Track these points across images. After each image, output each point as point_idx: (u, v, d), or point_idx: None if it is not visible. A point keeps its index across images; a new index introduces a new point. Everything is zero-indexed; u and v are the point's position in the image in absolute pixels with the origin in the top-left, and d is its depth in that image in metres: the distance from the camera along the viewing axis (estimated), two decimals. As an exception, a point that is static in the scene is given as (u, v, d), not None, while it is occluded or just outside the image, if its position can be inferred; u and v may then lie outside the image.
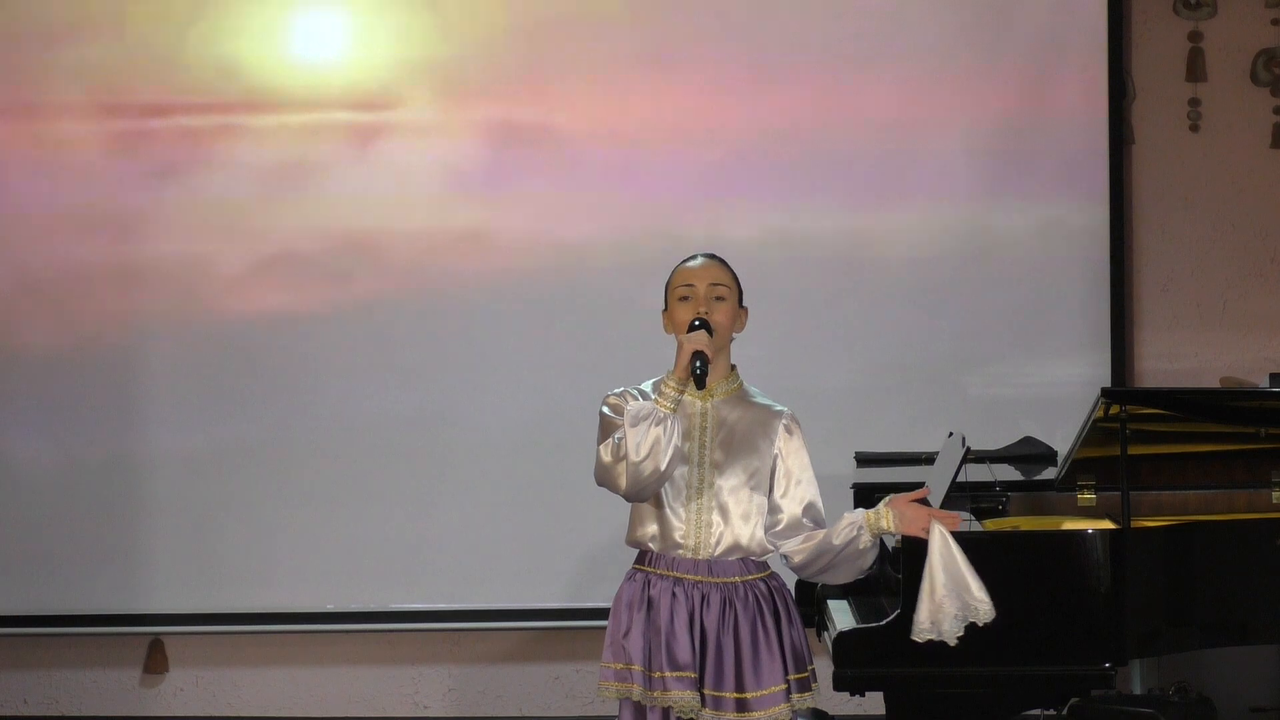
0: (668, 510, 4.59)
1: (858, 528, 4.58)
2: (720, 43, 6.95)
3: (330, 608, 7.05)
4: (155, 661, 7.18)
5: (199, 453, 7.04)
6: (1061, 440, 5.89)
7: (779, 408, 4.66)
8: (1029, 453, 6.26)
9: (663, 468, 4.47)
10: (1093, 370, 6.91)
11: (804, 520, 4.63)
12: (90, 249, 7.05)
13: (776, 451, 4.63)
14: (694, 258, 4.67)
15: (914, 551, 4.95)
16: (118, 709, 7.19)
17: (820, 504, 4.66)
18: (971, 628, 4.63)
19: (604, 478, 4.54)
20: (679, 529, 4.59)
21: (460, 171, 7.01)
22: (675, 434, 4.48)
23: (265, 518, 7.03)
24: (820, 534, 4.60)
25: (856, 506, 5.87)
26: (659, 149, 6.98)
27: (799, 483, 4.64)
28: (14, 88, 7.04)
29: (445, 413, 7.02)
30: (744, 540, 4.59)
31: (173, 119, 7.02)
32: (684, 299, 4.61)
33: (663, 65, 6.97)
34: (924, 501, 4.66)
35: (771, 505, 4.63)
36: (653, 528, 4.61)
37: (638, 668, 4.57)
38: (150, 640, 7.17)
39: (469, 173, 7.01)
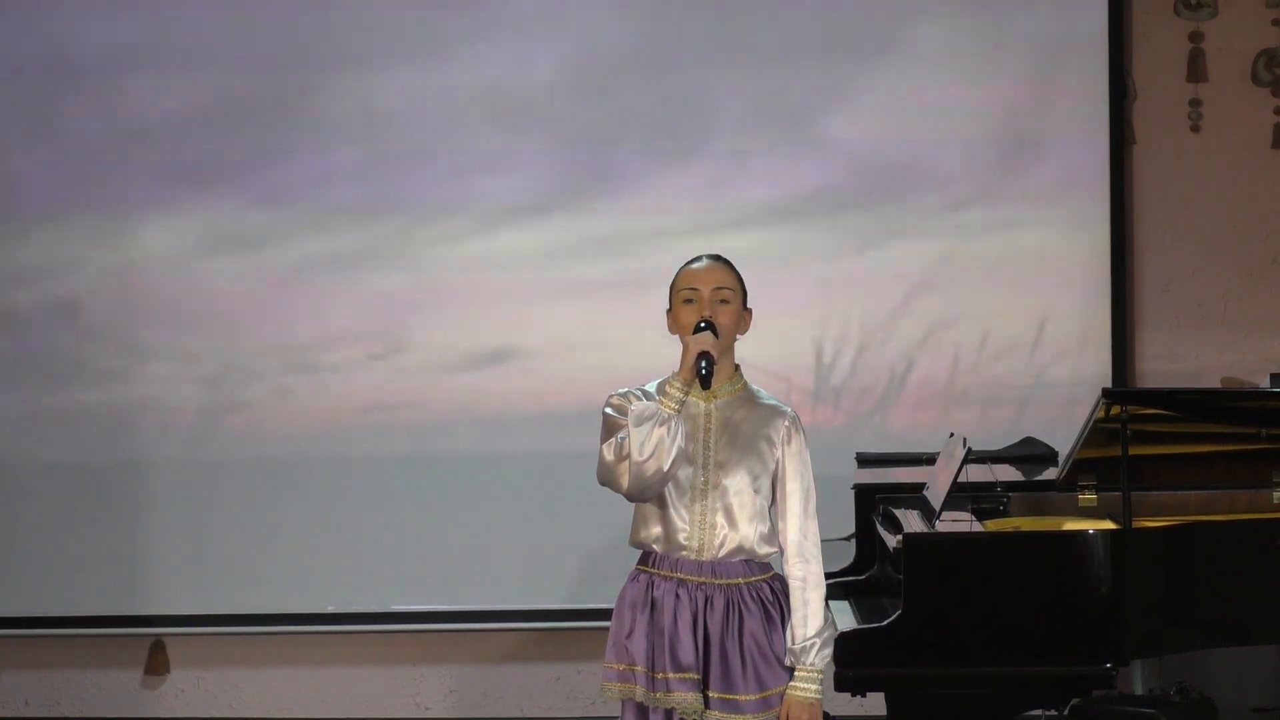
0: (672, 511, 4.60)
1: None
2: (719, 38, 6.95)
3: (331, 609, 7.05)
4: (156, 662, 7.18)
5: (200, 454, 7.05)
6: (1062, 440, 5.89)
7: (784, 409, 4.66)
8: (1030, 453, 6.26)
9: (665, 468, 4.47)
10: (1093, 370, 6.91)
11: (803, 541, 4.64)
12: (90, 248, 7.05)
13: (779, 454, 4.63)
14: (698, 259, 4.67)
15: (915, 552, 4.96)
16: (119, 710, 7.19)
17: (813, 507, 4.66)
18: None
19: (606, 477, 4.55)
20: (683, 530, 4.60)
21: (467, 176, 7.01)
22: (679, 435, 4.48)
23: (266, 519, 7.03)
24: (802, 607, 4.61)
25: (857, 507, 5.90)
26: (657, 148, 6.98)
27: (798, 493, 4.64)
28: (25, 97, 7.05)
29: (447, 413, 7.01)
30: (748, 542, 4.60)
31: (178, 118, 7.03)
32: (688, 301, 4.61)
33: (662, 61, 6.97)
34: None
35: (775, 512, 4.64)
36: (656, 529, 4.61)
37: (640, 669, 4.58)
38: (151, 641, 7.18)
39: (476, 177, 7.01)
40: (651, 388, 4.62)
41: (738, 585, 4.61)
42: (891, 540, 5.22)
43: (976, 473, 5.73)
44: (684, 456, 4.54)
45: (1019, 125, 6.94)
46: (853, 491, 5.96)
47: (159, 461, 7.05)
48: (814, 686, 4.58)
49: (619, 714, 4.65)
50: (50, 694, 7.22)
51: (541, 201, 7.01)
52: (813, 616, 4.59)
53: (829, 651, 4.63)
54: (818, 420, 6.88)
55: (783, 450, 4.63)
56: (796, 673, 4.58)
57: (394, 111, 7.00)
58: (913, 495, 5.68)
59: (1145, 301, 7.04)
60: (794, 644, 4.58)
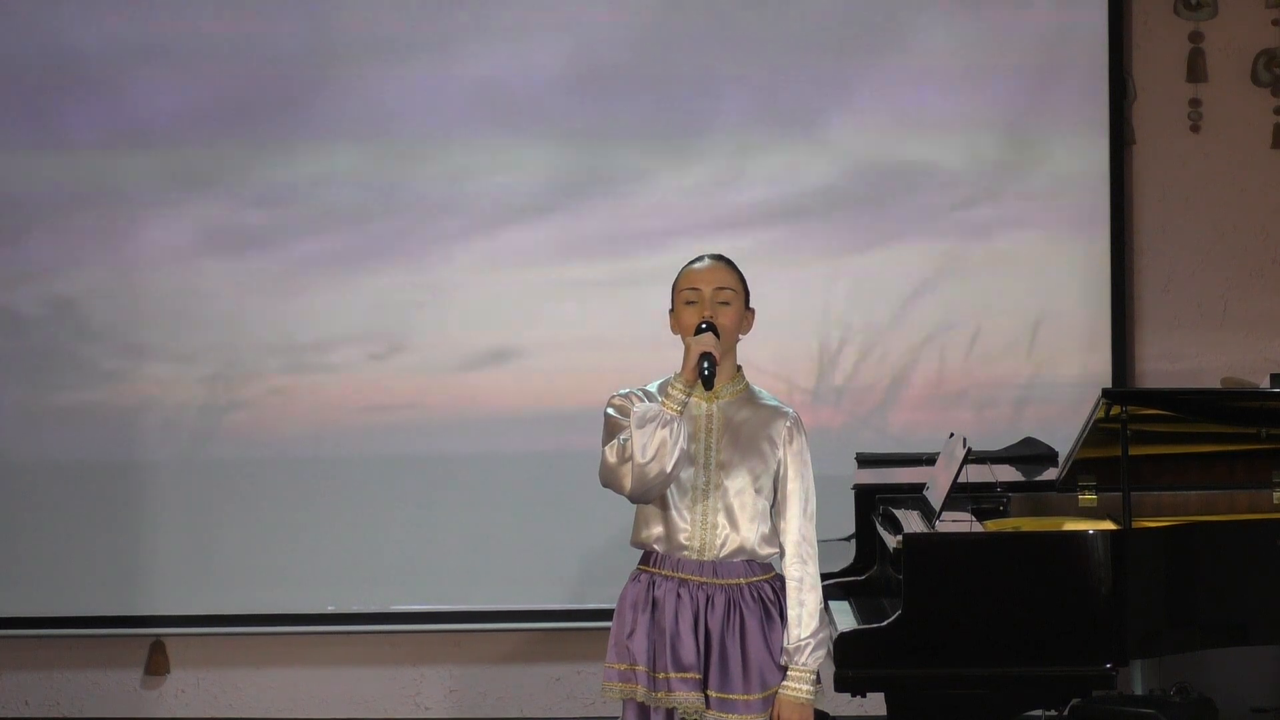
0: (673, 512, 4.60)
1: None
2: (719, 38, 6.95)
3: (331, 609, 7.05)
4: (156, 663, 7.18)
5: (200, 454, 7.04)
6: (1062, 441, 5.89)
7: (785, 409, 4.66)
8: (1030, 453, 6.27)
9: (668, 470, 4.47)
10: (1093, 370, 6.91)
11: (802, 542, 4.64)
12: (90, 248, 7.05)
13: (781, 455, 4.63)
14: (700, 259, 4.67)
15: (915, 552, 4.96)
16: (119, 710, 7.19)
17: (813, 508, 4.65)
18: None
19: (609, 479, 4.54)
20: (684, 530, 4.60)
21: (467, 175, 7.01)
22: (681, 436, 4.48)
23: (266, 519, 7.03)
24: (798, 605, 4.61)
25: (857, 508, 5.91)
26: (657, 147, 6.98)
27: (799, 493, 4.64)
28: (25, 97, 7.06)
29: (447, 413, 7.02)
30: (749, 542, 4.60)
31: (178, 118, 7.03)
32: (690, 302, 4.61)
33: (662, 61, 6.97)
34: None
35: (775, 512, 4.64)
36: (658, 529, 4.61)
37: (642, 668, 4.58)
38: (151, 642, 7.17)
39: (475, 177, 7.01)
40: (653, 388, 4.62)
41: (739, 585, 4.61)
42: (891, 540, 5.23)
43: (976, 473, 5.73)
44: (686, 458, 4.54)
45: (1019, 125, 6.94)
46: (853, 492, 5.96)
47: (159, 461, 7.05)
48: (806, 687, 4.58)
49: (620, 714, 4.65)
50: (50, 694, 7.22)
51: (541, 201, 7.01)
52: (808, 617, 4.59)
53: (823, 653, 4.63)
54: (819, 420, 6.87)
55: (784, 451, 4.63)
56: (789, 672, 4.58)
57: (393, 111, 7.00)
58: (913, 495, 5.68)
59: (1145, 301, 7.04)
60: (788, 644, 4.58)
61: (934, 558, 5.00)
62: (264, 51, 7.01)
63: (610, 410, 4.60)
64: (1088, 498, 5.52)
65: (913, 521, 5.34)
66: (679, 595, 4.60)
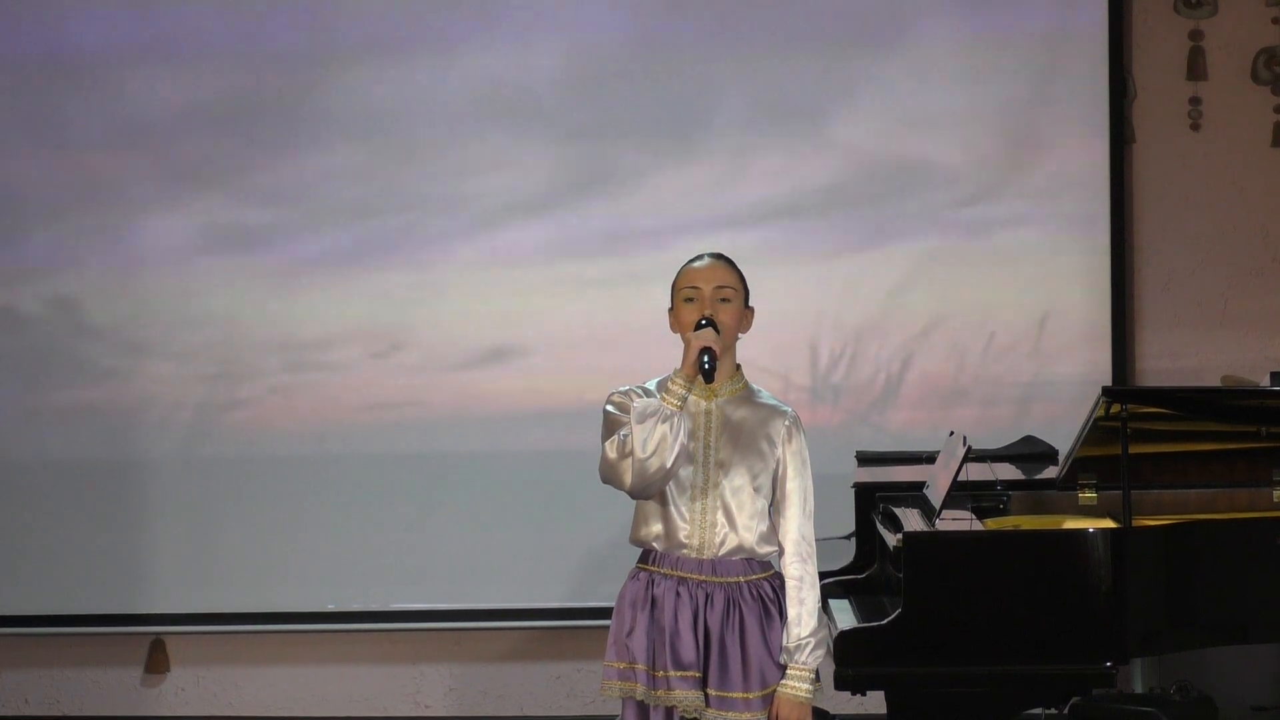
0: (673, 510, 4.60)
1: None
2: (720, 36, 6.95)
3: (332, 607, 7.05)
4: (156, 661, 7.18)
5: (200, 452, 7.05)
6: (1062, 439, 5.89)
7: (784, 408, 4.66)
8: (1030, 452, 6.27)
9: (668, 465, 4.47)
10: (1093, 369, 6.91)
11: (801, 541, 4.64)
12: (90, 248, 7.05)
13: (780, 454, 4.63)
14: (700, 258, 4.67)
15: (915, 550, 4.96)
16: (119, 709, 7.19)
17: (811, 507, 4.65)
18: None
19: (609, 475, 4.55)
20: (684, 529, 4.60)
21: (468, 174, 7.01)
22: (681, 431, 4.49)
23: (266, 517, 7.03)
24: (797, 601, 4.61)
25: (857, 506, 5.91)
26: (658, 146, 6.98)
27: (798, 492, 4.64)
28: (25, 96, 7.06)
29: (447, 411, 7.02)
30: (748, 541, 4.60)
31: (178, 116, 7.03)
32: (689, 300, 4.61)
33: (662, 59, 6.97)
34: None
35: (774, 510, 4.64)
36: (657, 527, 4.61)
37: (641, 667, 4.58)
38: (151, 640, 7.18)
39: (476, 175, 7.01)
40: (652, 385, 4.62)
41: (738, 583, 4.61)
42: (891, 539, 5.23)
43: (977, 471, 5.73)
44: (686, 454, 4.54)
45: (1019, 123, 6.94)
46: (853, 490, 5.96)
47: (159, 460, 7.06)
48: (805, 685, 4.59)
49: (619, 713, 4.65)
50: (50, 693, 7.22)
51: (542, 199, 7.01)
52: (807, 616, 4.59)
53: (822, 651, 4.63)
54: (818, 419, 6.88)
55: (783, 449, 4.63)
56: (789, 671, 4.59)
57: (394, 109, 7.00)
58: (913, 494, 5.68)
59: (1145, 300, 7.04)
60: (788, 642, 4.59)
61: (934, 556, 4.99)
62: (264, 51, 7.01)
63: (610, 407, 4.60)
64: (1088, 496, 5.52)
65: (913, 520, 5.33)
66: (678, 593, 4.60)
